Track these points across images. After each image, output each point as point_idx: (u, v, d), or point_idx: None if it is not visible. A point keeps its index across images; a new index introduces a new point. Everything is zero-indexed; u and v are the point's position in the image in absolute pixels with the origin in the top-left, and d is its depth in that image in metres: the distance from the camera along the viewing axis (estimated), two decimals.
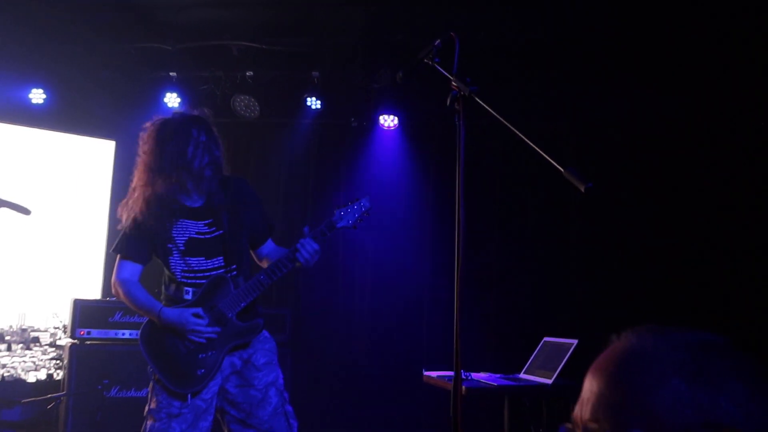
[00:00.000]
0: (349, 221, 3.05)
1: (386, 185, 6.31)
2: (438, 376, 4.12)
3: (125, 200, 3.06)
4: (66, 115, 6.16)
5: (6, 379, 5.68)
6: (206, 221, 3.02)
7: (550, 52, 5.45)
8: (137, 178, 3.04)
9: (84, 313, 5.19)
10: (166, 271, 3.05)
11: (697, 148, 5.12)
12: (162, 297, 3.06)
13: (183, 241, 2.98)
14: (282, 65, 6.12)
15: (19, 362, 5.76)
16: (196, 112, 3.20)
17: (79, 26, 5.63)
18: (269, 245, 3.24)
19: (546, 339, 4.37)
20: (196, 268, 2.98)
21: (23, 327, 5.86)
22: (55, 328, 5.94)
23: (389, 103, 6.16)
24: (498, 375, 4.27)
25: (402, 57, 5.74)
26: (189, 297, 2.97)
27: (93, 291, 6.09)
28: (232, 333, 2.94)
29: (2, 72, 5.85)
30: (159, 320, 2.91)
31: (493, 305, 5.71)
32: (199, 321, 2.87)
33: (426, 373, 4.28)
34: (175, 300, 2.98)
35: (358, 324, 6.15)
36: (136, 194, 3.01)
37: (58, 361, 5.79)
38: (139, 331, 3.01)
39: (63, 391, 5.07)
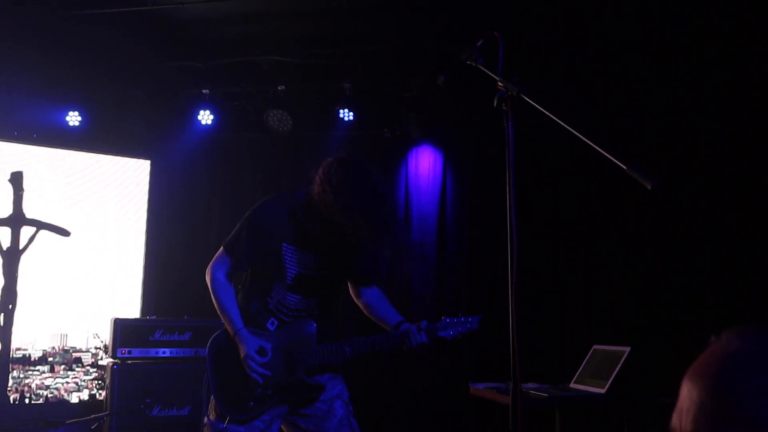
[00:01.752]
0: (450, 333, 2.91)
1: (422, 195, 6.25)
2: (485, 388, 4.02)
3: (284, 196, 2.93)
4: (101, 136, 6.22)
5: (50, 400, 5.71)
6: (315, 255, 2.89)
7: (591, 48, 5.34)
8: (319, 191, 2.77)
9: (124, 332, 5.20)
10: (256, 287, 2.95)
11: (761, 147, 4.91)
12: (240, 304, 2.96)
13: (293, 275, 2.87)
14: (313, 78, 6.10)
15: (62, 383, 5.79)
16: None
17: (112, 47, 5.68)
18: (374, 291, 3.11)
19: (596, 347, 4.23)
20: (290, 306, 2.91)
21: (65, 348, 5.89)
22: (97, 348, 5.96)
23: (422, 112, 6.10)
24: (546, 385, 4.15)
25: (434, 65, 5.69)
26: (272, 328, 2.90)
27: (133, 310, 6.10)
28: (295, 385, 2.86)
29: (40, 97, 5.93)
30: (233, 336, 2.85)
31: (540, 312, 5.58)
32: (257, 358, 2.80)
33: (472, 385, 4.18)
34: (255, 322, 2.90)
35: None
36: (299, 200, 2.86)
37: (100, 381, 5.81)
38: (210, 339, 2.94)
39: (106, 411, 5.07)
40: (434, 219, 6.18)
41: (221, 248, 2.98)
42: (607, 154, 1.67)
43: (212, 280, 2.95)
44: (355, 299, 3.16)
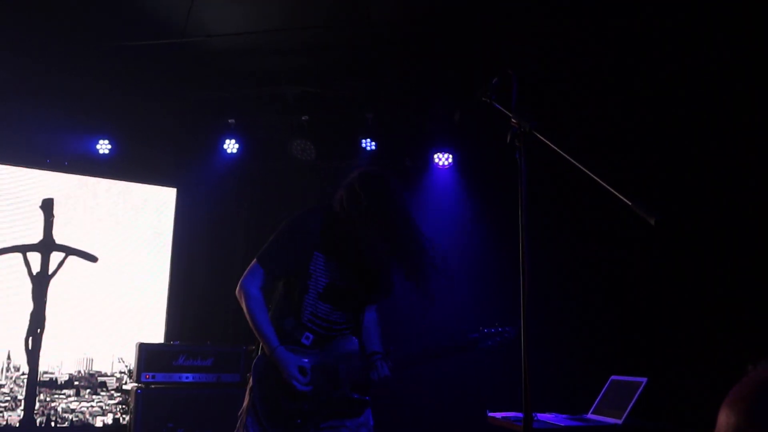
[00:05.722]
0: (488, 343, 3.04)
1: (442, 224, 6.29)
2: (503, 417, 4.03)
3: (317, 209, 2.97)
4: (130, 164, 6.37)
5: (75, 424, 5.79)
6: (344, 266, 2.90)
7: (605, 82, 5.40)
8: (343, 202, 2.88)
9: (149, 357, 5.28)
10: (288, 302, 2.92)
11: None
12: (273, 321, 2.92)
13: (324, 285, 2.88)
14: (336, 108, 6.22)
15: (87, 407, 5.88)
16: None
17: (142, 78, 5.85)
18: (372, 315, 3.13)
19: (613, 377, 4.24)
20: (322, 316, 2.89)
21: (90, 372, 5.98)
22: (121, 372, 6.05)
23: (443, 141, 6.18)
24: (564, 415, 4.15)
25: (454, 95, 5.77)
26: (307, 342, 2.88)
27: (157, 335, 6.19)
28: (339, 400, 2.87)
29: (71, 126, 6.11)
30: (270, 354, 2.82)
31: (558, 343, 5.58)
32: (299, 377, 2.79)
33: (490, 414, 4.19)
34: (290, 338, 2.87)
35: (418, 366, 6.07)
36: (325, 215, 2.92)
37: (124, 406, 5.89)
38: (253, 364, 2.90)
39: None
40: (454, 248, 6.21)
41: (254, 261, 2.92)
42: (612, 190, 1.71)
43: (246, 296, 2.88)
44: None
